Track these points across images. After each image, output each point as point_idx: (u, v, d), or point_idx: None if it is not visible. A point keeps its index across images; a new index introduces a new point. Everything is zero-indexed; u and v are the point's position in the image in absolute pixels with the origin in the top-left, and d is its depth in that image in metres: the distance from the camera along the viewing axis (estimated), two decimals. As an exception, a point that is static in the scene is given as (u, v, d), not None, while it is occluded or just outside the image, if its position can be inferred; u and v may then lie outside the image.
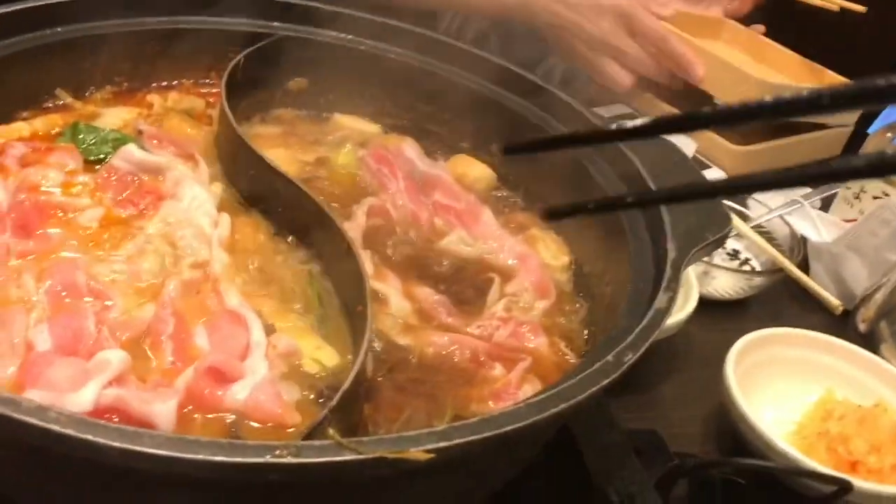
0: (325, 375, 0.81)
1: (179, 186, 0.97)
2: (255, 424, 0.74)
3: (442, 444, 0.61)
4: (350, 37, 1.21)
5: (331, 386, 0.80)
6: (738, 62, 1.76)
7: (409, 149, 1.16)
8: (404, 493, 0.70)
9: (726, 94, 1.68)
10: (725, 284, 1.44)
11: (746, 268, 1.49)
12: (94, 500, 0.67)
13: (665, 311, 0.79)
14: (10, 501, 0.77)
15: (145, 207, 0.95)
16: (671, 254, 0.87)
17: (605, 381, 0.71)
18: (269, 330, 0.83)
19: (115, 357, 0.75)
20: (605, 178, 1.04)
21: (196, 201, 0.95)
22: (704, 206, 0.95)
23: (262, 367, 0.77)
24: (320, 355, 0.82)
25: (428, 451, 0.60)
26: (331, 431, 0.61)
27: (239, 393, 0.74)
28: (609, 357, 0.73)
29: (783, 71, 1.89)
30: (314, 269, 0.93)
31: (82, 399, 0.69)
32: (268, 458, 0.58)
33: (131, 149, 1.00)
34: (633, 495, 0.96)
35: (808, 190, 1.62)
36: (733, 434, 1.16)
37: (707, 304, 1.36)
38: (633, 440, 1.07)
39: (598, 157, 1.06)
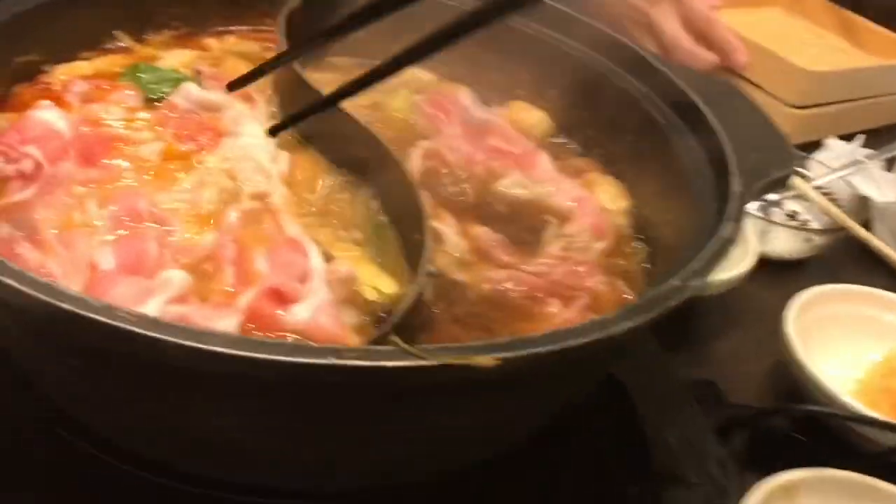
0: (382, 302, 0.81)
1: (238, 124, 0.98)
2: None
3: (507, 354, 0.60)
4: (409, -16, 1.20)
5: (389, 311, 0.80)
6: (793, 31, 1.72)
7: (465, 95, 1.15)
8: (463, 407, 0.69)
9: (770, 84, 1.64)
10: (784, 244, 1.41)
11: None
12: (156, 406, 0.67)
13: (730, 240, 0.78)
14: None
15: (205, 144, 0.95)
16: (735, 188, 0.85)
17: (672, 303, 0.69)
18: (327, 258, 0.83)
19: (177, 276, 0.75)
20: (665, 116, 1.01)
21: (254, 138, 0.95)
22: (769, 144, 0.93)
23: (322, 291, 0.77)
24: (378, 283, 0.82)
25: (494, 360, 0.59)
26: (395, 338, 0.60)
27: (300, 313, 0.74)
28: (675, 281, 0.71)
29: (845, 35, 1.85)
30: (372, 203, 0.92)
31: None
32: (332, 360, 0.58)
33: (190, 87, 1.00)
34: (692, 441, 0.95)
35: (870, 151, 1.58)
36: (792, 389, 1.13)
37: (765, 264, 1.34)
38: (691, 390, 1.06)
39: (663, 103, 1.04)
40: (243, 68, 1.05)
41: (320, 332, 0.73)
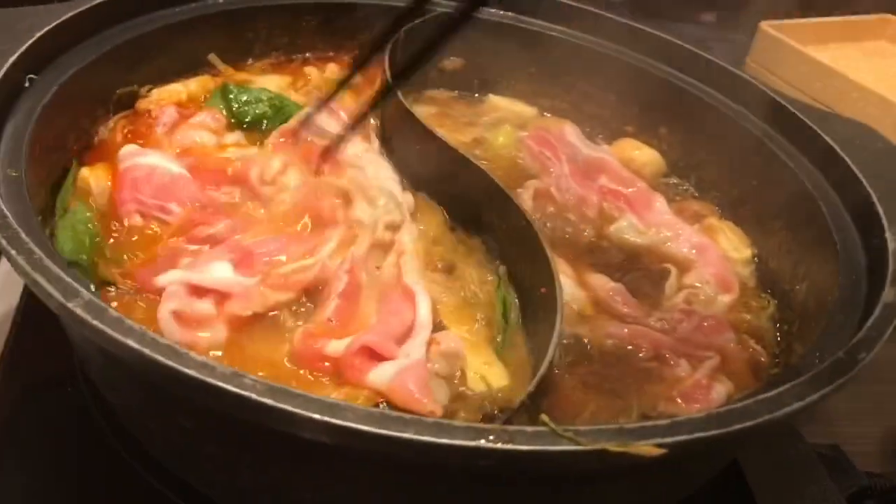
0: (486, 394, 0.74)
1: (359, 158, 0.93)
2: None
3: (670, 440, 0.54)
4: (510, 14, 1.15)
5: (497, 409, 0.72)
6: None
7: (571, 131, 1.10)
8: (599, 492, 0.63)
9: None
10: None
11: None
12: (279, 476, 0.62)
13: (895, 306, 0.70)
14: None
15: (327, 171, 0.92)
16: (891, 244, 0.77)
17: (841, 380, 0.62)
18: (439, 327, 0.77)
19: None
20: (795, 160, 0.94)
21: (383, 170, 0.92)
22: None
23: (419, 352, 0.71)
24: (488, 372, 0.75)
25: (659, 446, 0.53)
26: (545, 418, 0.54)
27: (386, 374, 0.69)
28: (840, 354, 0.64)
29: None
30: (501, 270, 0.86)
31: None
32: (481, 443, 0.52)
33: (317, 115, 0.95)
34: (826, 520, 0.87)
35: None
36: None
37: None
38: (816, 457, 0.97)
39: (782, 138, 0.97)
40: (350, 100, 1.01)
41: (402, 393, 0.68)
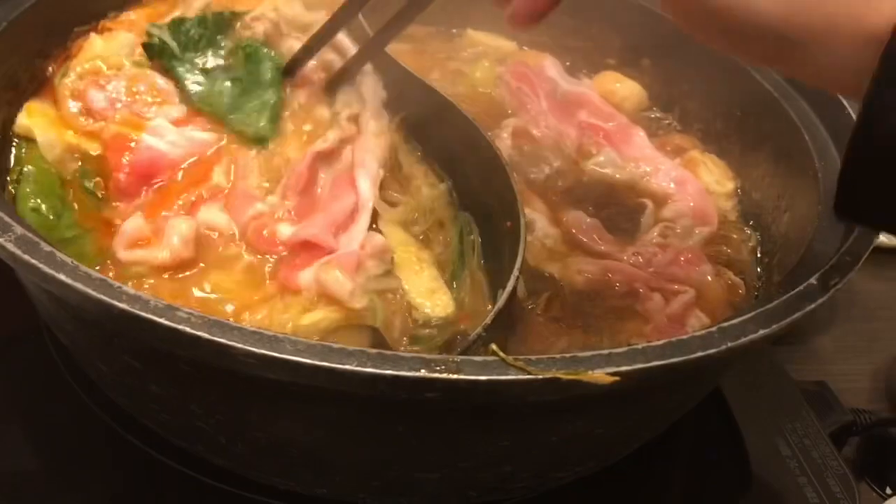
0: (429, 320, 0.72)
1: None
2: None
3: (625, 368, 0.52)
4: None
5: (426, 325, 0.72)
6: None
7: (551, 66, 1.06)
8: (561, 426, 0.61)
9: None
10: None
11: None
12: (220, 411, 0.60)
13: (872, 233, 0.67)
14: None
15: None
16: (872, 171, 0.74)
17: (810, 306, 0.60)
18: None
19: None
20: (779, 88, 0.90)
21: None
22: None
23: (354, 244, 0.72)
24: (431, 298, 0.73)
25: (612, 374, 0.51)
26: (494, 347, 0.52)
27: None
28: (812, 280, 0.62)
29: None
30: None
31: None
32: (423, 373, 0.50)
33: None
34: (808, 448, 0.85)
35: None
36: (912, 391, 1.03)
37: (872, 252, 1.22)
38: (801, 392, 0.95)
39: (776, 72, 0.93)
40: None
41: (327, 281, 0.69)
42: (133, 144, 0.78)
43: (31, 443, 0.80)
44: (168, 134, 0.79)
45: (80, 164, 0.78)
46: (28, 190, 0.75)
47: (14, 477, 0.77)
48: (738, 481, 0.84)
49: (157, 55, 0.86)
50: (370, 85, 0.87)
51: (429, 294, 0.73)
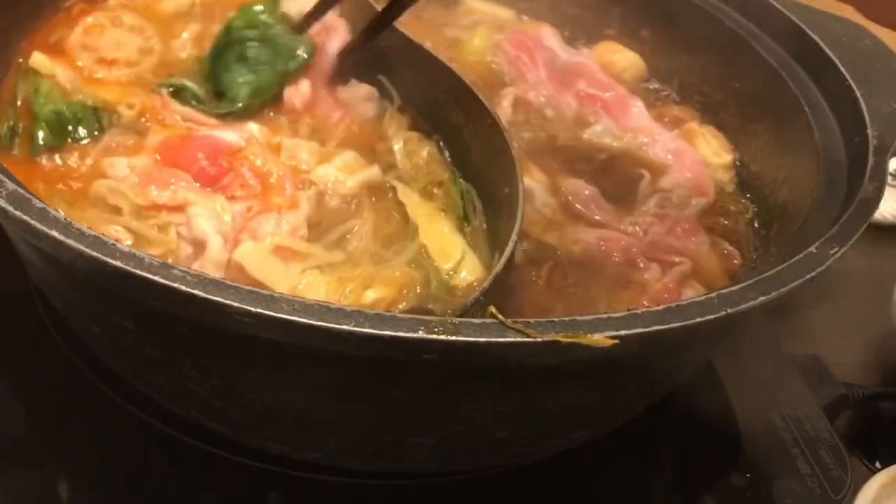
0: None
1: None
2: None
3: (624, 332, 0.51)
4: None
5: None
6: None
7: (549, 35, 1.05)
8: (558, 392, 0.60)
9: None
10: (888, 206, 1.28)
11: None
12: (215, 374, 0.60)
13: (873, 202, 0.68)
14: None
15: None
16: (873, 141, 0.74)
17: (810, 274, 0.59)
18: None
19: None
20: (779, 60, 0.90)
21: None
22: (908, 89, 0.82)
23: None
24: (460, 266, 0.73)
25: (611, 338, 0.50)
26: (493, 310, 0.51)
27: None
28: (812, 248, 0.61)
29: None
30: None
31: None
32: (421, 334, 0.49)
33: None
34: (801, 421, 0.85)
35: None
36: (905, 366, 1.03)
37: (867, 228, 1.21)
38: (795, 365, 0.96)
39: (776, 44, 0.92)
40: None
41: None
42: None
43: (21, 406, 0.80)
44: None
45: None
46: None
47: (3, 440, 0.77)
48: (730, 452, 0.84)
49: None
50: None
51: (456, 260, 0.73)
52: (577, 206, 0.84)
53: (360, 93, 0.88)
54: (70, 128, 0.78)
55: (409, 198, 0.78)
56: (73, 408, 0.79)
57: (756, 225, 0.87)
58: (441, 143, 0.85)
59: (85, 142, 0.79)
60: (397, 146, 0.83)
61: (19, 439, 0.77)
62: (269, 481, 0.73)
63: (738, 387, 0.91)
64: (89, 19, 0.89)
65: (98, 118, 0.80)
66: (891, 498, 0.80)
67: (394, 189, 0.79)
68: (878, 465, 0.95)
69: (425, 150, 0.83)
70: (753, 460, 0.83)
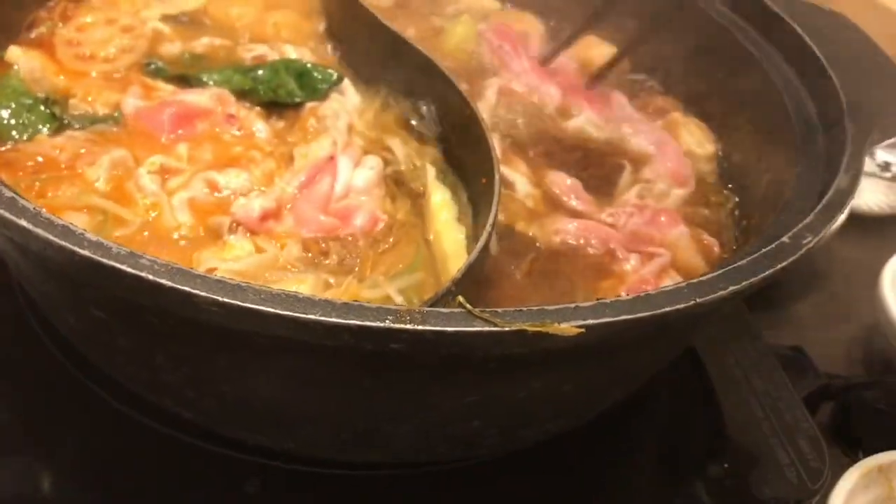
0: None
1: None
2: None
3: (591, 321, 0.51)
4: None
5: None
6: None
7: (532, 25, 1.05)
8: (529, 382, 0.60)
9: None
10: (875, 197, 1.28)
11: (902, 180, 1.33)
12: (186, 363, 0.60)
13: (848, 192, 0.67)
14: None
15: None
16: (850, 132, 0.74)
17: (781, 264, 0.59)
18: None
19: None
20: (762, 50, 0.89)
21: None
22: (887, 80, 0.81)
23: None
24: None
25: (578, 327, 0.50)
26: (460, 299, 0.51)
27: None
28: (785, 238, 0.61)
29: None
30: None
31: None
32: (389, 323, 0.49)
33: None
34: (781, 411, 0.85)
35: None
36: (886, 359, 1.03)
37: (852, 219, 1.21)
38: (777, 356, 0.96)
39: (758, 34, 0.92)
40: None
41: None
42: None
43: (1, 398, 0.80)
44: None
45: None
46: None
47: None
48: (711, 441, 0.84)
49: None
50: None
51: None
52: (559, 196, 0.84)
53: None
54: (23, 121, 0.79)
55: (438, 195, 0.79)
56: (54, 399, 0.80)
57: (737, 215, 0.87)
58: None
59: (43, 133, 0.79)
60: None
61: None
62: (246, 471, 0.73)
63: (719, 376, 0.91)
64: (88, 18, 0.91)
65: (52, 111, 0.81)
66: (868, 488, 0.80)
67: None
68: (860, 455, 0.95)
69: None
70: (733, 449, 0.83)
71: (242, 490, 0.72)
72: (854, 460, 0.94)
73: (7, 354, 0.83)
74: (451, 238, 0.75)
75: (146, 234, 0.72)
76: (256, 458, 0.72)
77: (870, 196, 1.27)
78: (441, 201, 0.78)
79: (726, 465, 0.81)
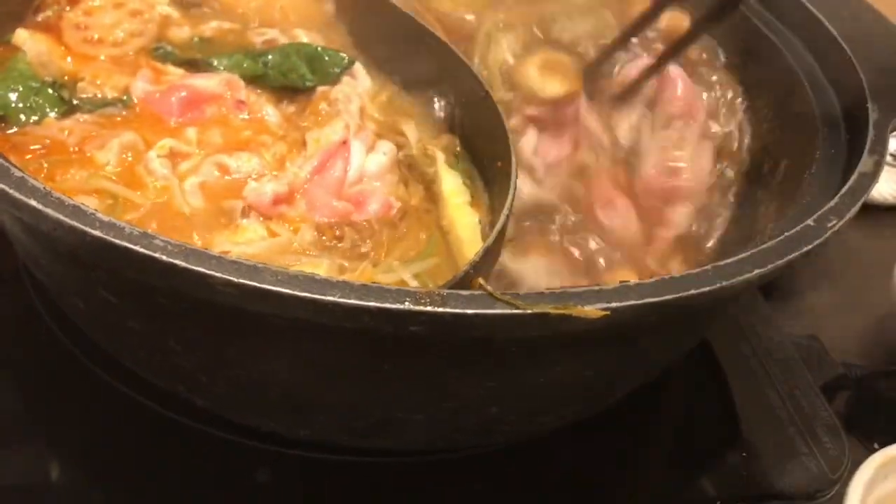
0: None
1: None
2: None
3: (616, 304, 0.50)
4: None
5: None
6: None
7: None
8: (549, 367, 0.59)
9: None
10: (889, 186, 1.27)
11: (917, 169, 1.31)
12: (199, 347, 0.59)
13: (872, 176, 0.66)
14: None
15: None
16: (872, 115, 0.72)
17: (807, 247, 0.58)
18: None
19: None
20: (778, 34, 0.88)
21: None
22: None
23: None
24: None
25: (602, 310, 0.49)
26: (481, 281, 0.50)
27: None
28: (809, 221, 0.60)
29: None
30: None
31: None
32: (408, 305, 0.48)
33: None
34: (798, 399, 0.84)
35: None
36: (903, 347, 1.02)
37: (867, 209, 1.20)
38: (793, 345, 0.95)
39: (766, 10, 0.91)
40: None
41: None
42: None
43: (8, 384, 0.79)
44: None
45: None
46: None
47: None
48: (726, 431, 0.83)
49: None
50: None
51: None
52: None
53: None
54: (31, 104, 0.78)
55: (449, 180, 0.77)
56: (61, 385, 0.79)
57: (756, 199, 0.85)
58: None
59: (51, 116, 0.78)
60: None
61: (7, 417, 0.76)
62: (259, 458, 0.72)
63: (735, 366, 0.90)
64: (96, 2, 0.90)
65: (60, 95, 0.80)
66: (888, 478, 0.79)
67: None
68: (875, 445, 0.94)
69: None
70: (750, 439, 0.82)
71: (256, 478, 0.71)
72: (870, 449, 0.93)
73: (15, 341, 0.82)
74: (464, 223, 0.74)
75: (155, 221, 0.71)
76: (268, 445, 0.71)
77: (883, 185, 1.26)
78: (452, 187, 0.77)
79: (744, 455, 0.80)
